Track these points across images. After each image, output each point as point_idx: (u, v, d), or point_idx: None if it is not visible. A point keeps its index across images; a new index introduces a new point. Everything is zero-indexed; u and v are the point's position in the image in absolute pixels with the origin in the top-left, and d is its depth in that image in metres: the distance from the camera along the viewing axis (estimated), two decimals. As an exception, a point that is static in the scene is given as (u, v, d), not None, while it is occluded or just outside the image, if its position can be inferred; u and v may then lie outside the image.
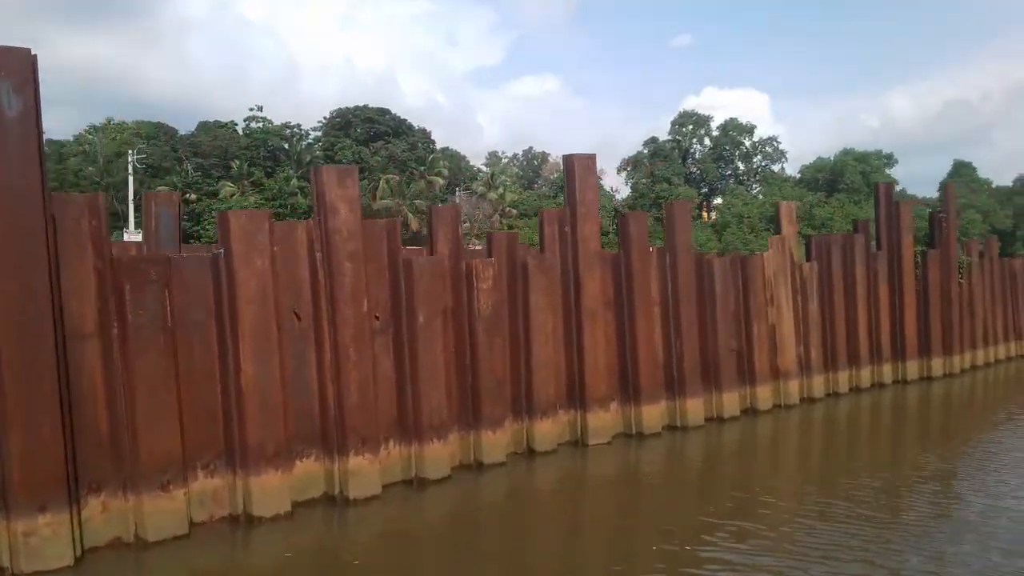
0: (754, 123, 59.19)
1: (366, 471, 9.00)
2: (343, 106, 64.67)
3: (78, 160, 55.14)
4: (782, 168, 58.44)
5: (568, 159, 12.18)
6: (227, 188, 50.75)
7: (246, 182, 52.69)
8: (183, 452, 7.99)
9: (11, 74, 6.88)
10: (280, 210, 44.52)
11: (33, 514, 6.84)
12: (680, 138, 58.78)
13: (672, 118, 59.79)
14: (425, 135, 67.49)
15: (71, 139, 59.89)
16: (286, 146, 61.97)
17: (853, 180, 44.72)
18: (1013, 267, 21.41)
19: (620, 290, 12.48)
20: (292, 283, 8.88)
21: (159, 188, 51.52)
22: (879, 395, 16.05)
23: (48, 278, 7.09)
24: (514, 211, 54.30)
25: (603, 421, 11.94)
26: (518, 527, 8.72)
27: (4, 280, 6.86)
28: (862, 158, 47.48)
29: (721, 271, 13.61)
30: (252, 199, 48.35)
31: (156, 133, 61.43)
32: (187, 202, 49.67)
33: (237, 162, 53.64)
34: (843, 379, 15.76)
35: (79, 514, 7.29)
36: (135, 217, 47.49)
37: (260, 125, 61.56)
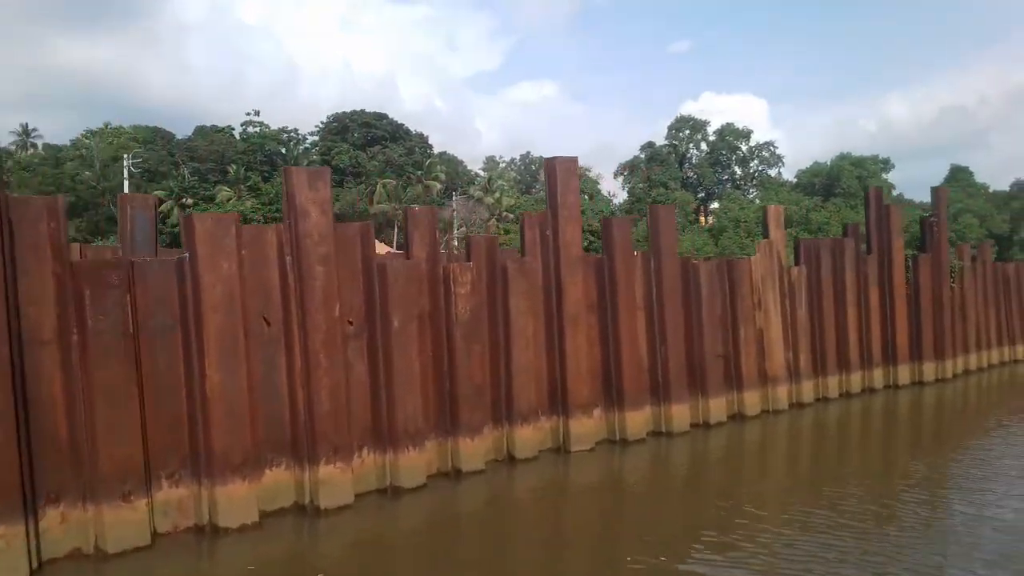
0: (751, 128, 59.19)
1: (338, 480, 8.80)
2: (341, 110, 64.71)
3: (75, 165, 55.09)
4: (779, 173, 58.36)
5: (550, 162, 12.01)
6: (224, 192, 50.65)
7: (243, 187, 52.59)
8: (146, 461, 7.80)
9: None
10: (277, 215, 44.42)
11: (-15, 525, 6.64)
12: (677, 143, 58.74)
13: (669, 123, 59.77)
14: (422, 140, 67.46)
15: (68, 144, 59.91)
16: (283, 151, 61.95)
17: (849, 185, 44.57)
18: (1006, 271, 21.23)
19: (603, 294, 12.30)
20: (261, 287, 8.70)
21: (155, 192, 51.48)
22: (870, 400, 15.84)
23: (4, 283, 6.91)
24: (511, 215, 54.17)
25: (586, 427, 11.74)
26: (495, 536, 8.52)
27: (-44, 285, 6.68)
28: (858, 163, 47.37)
29: (707, 275, 13.43)
30: (249, 203, 48.23)
31: (153, 138, 61.44)
32: (183, 207, 49.58)
33: (234, 167, 53.56)
34: (833, 384, 15.56)
35: (36, 525, 7.10)
36: (130, 222, 47.19)
37: (257, 130, 61.55)
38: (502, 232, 46.27)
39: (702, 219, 54.72)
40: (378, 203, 55.07)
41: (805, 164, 51.59)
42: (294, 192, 8.75)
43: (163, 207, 50.43)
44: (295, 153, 62.59)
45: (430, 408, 10.13)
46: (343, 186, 57.22)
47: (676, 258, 13.16)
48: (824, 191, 46.73)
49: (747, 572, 6.84)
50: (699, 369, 13.26)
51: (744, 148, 58.45)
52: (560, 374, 11.66)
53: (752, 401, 13.92)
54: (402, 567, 7.60)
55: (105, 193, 51.54)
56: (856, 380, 16.03)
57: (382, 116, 65.27)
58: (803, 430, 13.71)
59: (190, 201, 51.25)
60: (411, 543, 8.29)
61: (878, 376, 16.47)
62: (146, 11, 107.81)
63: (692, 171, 58.77)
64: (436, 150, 68.95)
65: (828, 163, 48.78)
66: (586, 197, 53.58)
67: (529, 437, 11.17)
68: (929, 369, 17.33)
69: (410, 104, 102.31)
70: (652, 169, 54.83)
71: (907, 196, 50.47)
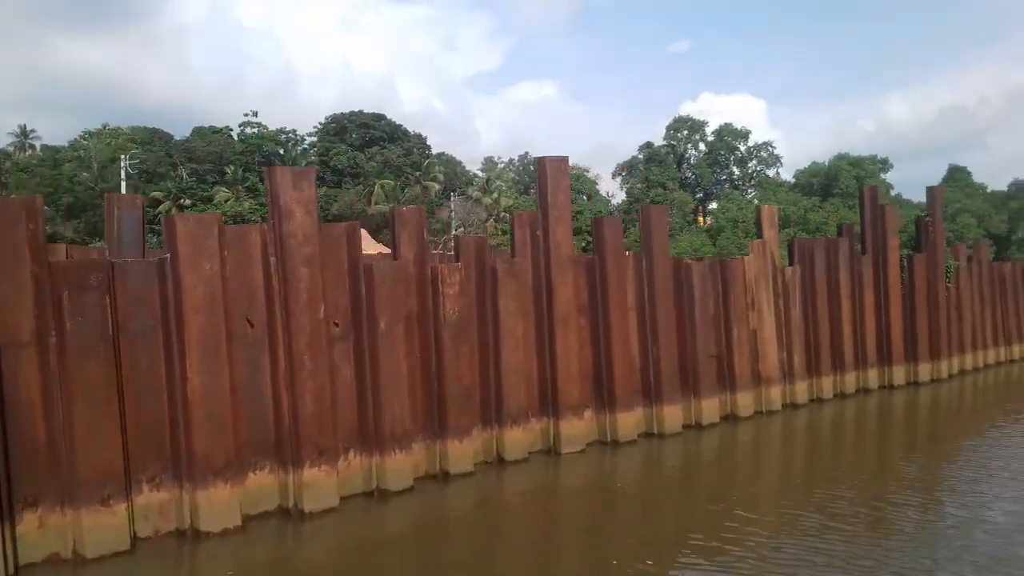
0: (749, 128, 59.10)
1: (322, 483, 8.70)
2: (340, 111, 64.65)
3: (73, 166, 55.01)
4: (777, 173, 58.26)
5: (540, 161, 11.92)
6: (222, 193, 50.60)
7: (240, 187, 52.53)
8: (126, 464, 7.71)
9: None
10: (274, 216, 44.13)
11: (-40, 530, 6.56)
12: (675, 143, 58.66)
13: (667, 123, 59.69)
14: (421, 140, 67.37)
15: (66, 145, 59.83)
16: (281, 151, 61.89)
17: (847, 185, 44.46)
18: (1003, 271, 21.13)
19: (595, 295, 12.21)
20: (245, 289, 8.61)
21: (153, 193, 51.47)
22: (864, 401, 15.75)
23: (-20, 284, 6.82)
24: (509, 216, 54.06)
25: (576, 429, 11.65)
26: (483, 539, 8.43)
27: (-69, 286, 6.59)
28: (856, 163, 47.25)
29: (700, 275, 13.34)
30: (246, 204, 48.17)
31: (151, 139, 61.35)
32: (181, 208, 49.53)
33: (232, 167, 53.51)
34: (827, 384, 15.47)
35: (13, 529, 7.01)
36: (126, 223, 47.18)
37: (255, 130, 61.51)
38: (500, 232, 46.15)
39: (700, 219, 54.62)
40: (376, 204, 54.97)
41: (804, 164, 51.52)
42: (278, 192, 8.66)
43: (161, 208, 50.37)
44: (293, 154, 62.53)
45: (418, 410, 10.03)
46: (341, 187, 57.16)
47: (668, 258, 13.07)
48: (822, 191, 46.62)
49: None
50: (691, 370, 13.16)
51: (742, 148, 58.37)
52: (550, 375, 11.56)
53: (745, 402, 13.83)
54: (388, 571, 7.51)
55: (103, 194, 51.45)
56: (851, 380, 15.93)
57: (380, 117, 65.20)
58: (796, 431, 13.62)
59: (188, 202, 51.19)
60: (397, 546, 8.19)
61: (873, 376, 16.37)
62: (145, 12, 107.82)
63: (690, 171, 58.70)
64: (435, 151, 68.91)
65: (826, 163, 48.66)
66: (584, 198, 53.53)
67: (519, 439, 11.07)
68: (924, 369, 17.23)
69: (409, 105, 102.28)
70: (650, 169, 54.71)
71: (906, 196, 50.40)
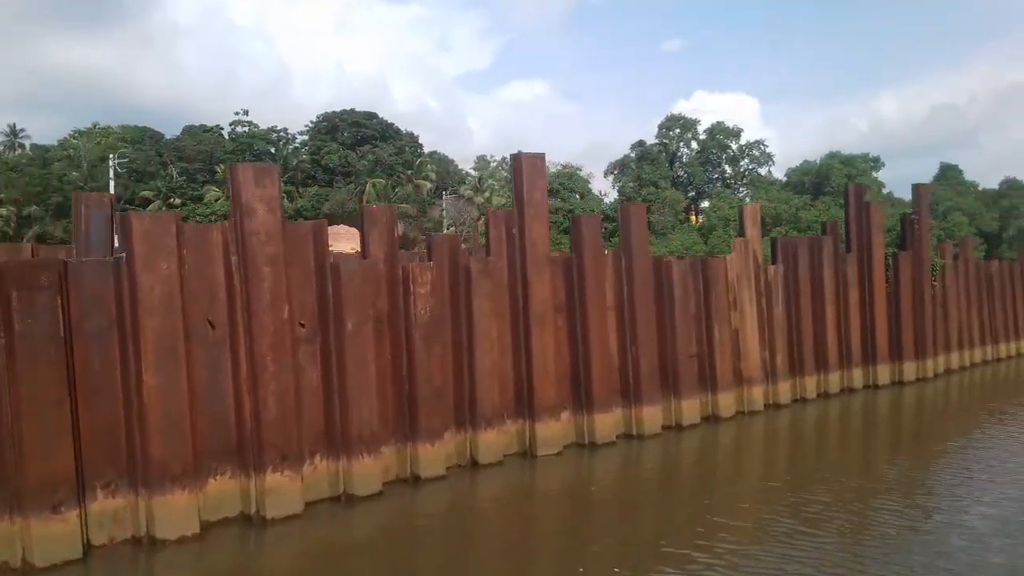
0: (741, 127, 58.86)
1: (286, 488, 8.49)
2: (331, 110, 64.31)
3: (62, 165, 54.58)
4: (769, 171, 58.10)
5: (516, 158, 11.71)
6: (212, 192, 50.23)
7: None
8: (79, 471, 7.47)
9: None
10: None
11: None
12: (667, 142, 58.43)
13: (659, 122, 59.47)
14: (413, 139, 67.03)
15: (56, 144, 59.40)
16: (272, 150, 61.54)
17: (839, 183, 44.27)
18: (989, 269, 21.00)
19: (572, 294, 12.01)
20: (205, 289, 8.38)
21: (143, 193, 51.12)
22: (848, 400, 15.59)
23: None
24: (499, 215, 53.74)
25: (553, 430, 11.45)
26: (454, 544, 8.24)
27: None
28: (848, 161, 47.13)
29: (680, 274, 13.15)
30: (236, 203, 47.73)
31: (141, 137, 60.92)
32: (171, 207, 49.19)
33: (222, 166, 53.13)
34: (811, 384, 15.30)
35: (-43, 539, 6.77)
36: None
37: (246, 129, 61.14)
38: (490, 231, 45.81)
39: (693, 218, 54.44)
40: (368, 203, 54.73)
41: (797, 163, 51.37)
42: (240, 189, 8.43)
43: (151, 207, 50.03)
44: (284, 152, 62.18)
45: (388, 412, 9.82)
46: (333, 186, 56.84)
47: (648, 256, 12.88)
48: (814, 189, 46.51)
49: (699, 585, 6.56)
50: (671, 370, 12.98)
51: (734, 147, 58.13)
52: (526, 376, 11.36)
53: (727, 402, 13.65)
54: (355, 576, 7.30)
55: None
56: (835, 380, 15.78)
57: (372, 115, 64.85)
58: (778, 432, 13.45)
59: (178, 201, 50.84)
60: (365, 552, 8.01)
61: (857, 376, 16.22)
62: (138, 12, 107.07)
63: (682, 170, 58.47)
64: (428, 149, 68.60)
65: (818, 162, 48.56)
66: (577, 196, 53.27)
67: (493, 441, 10.86)
68: (910, 368, 17.08)
69: (402, 104, 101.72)
70: (642, 168, 54.49)
71: (898, 195, 50.25)
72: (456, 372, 10.74)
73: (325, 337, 9.21)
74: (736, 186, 57.39)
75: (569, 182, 54.04)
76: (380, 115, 65.19)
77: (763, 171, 58.22)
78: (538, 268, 11.43)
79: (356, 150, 61.49)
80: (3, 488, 7.09)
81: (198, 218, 41.49)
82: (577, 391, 11.96)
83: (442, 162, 70.68)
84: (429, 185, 61.30)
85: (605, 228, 35.11)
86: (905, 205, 42.28)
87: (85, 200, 10.70)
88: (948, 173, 52.22)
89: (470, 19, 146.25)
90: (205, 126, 62.28)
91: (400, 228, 50.94)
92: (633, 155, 57.49)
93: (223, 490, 8.35)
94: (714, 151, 58.16)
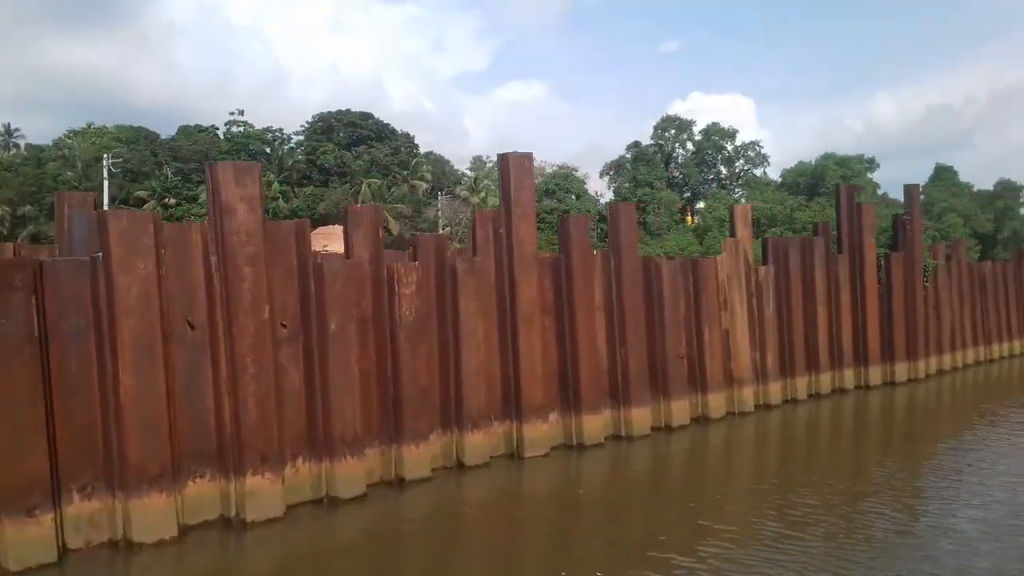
0: (736, 127, 58.86)
1: (266, 491, 8.37)
2: (327, 110, 64.16)
3: (57, 165, 54.41)
4: (764, 172, 58.07)
5: (503, 158, 11.61)
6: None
7: (224, 186, 51.90)
8: (54, 473, 7.36)
9: None
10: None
11: None
12: (663, 142, 58.36)
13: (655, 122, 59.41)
14: (408, 139, 66.93)
15: (51, 144, 59.17)
16: (268, 151, 61.38)
17: (834, 184, 44.23)
18: (982, 270, 20.96)
19: (560, 294, 11.92)
20: (185, 289, 8.27)
21: (138, 193, 50.93)
22: (839, 401, 15.52)
23: None
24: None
25: (540, 432, 11.35)
26: (439, 546, 8.14)
27: None
28: (843, 162, 47.11)
29: (670, 274, 13.07)
30: (230, 203, 47.54)
31: (136, 137, 60.72)
32: (165, 207, 49.04)
33: (214, 166, 52.92)
34: (802, 385, 15.23)
35: (-72, 542, 6.65)
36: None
37: (241, 129, 61.00)
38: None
39: (689, 218, 54.39)
40: (362, 203, 54.60)
41: (792, 164, 51.34)
42: (219, 188, 8.32)
43: (145, 207, 49.87)
44: (280, 153, 62.04)
45: (372, 414, 9.71)
46: (328, 186, 56.71)
47: (637, 256, 12.80)
48: (809, 190, 46.47)
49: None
50: (661, 371, 12.89)
51: (730, 148, 58.08)
52: (513, 377, 11.26)
53: (717, 403, 13.57)
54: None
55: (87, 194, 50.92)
56: (826, 381, 15.71)
57: (368, 116, 64.75)
58: (768, 433, 13.37)
59: (173, 201, 50.67)
60: (348, 555, 7.90)
61: (849, 377, 16.15)
62: (135, 11, 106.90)
63: (678, 171, 58.42)
64: (424, 150, 68.52)
65: (812, 163, 48.53)
66: (573, 197, 53.19)
67: (480, 443, 10.76)
68: (901, 369, 17.02)
69: (398, 104, 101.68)
70: (638, 169, 54.40)
71: (892, 196, 50.29)
72: (442, 373, 10.64)
73: (307, 338, 9.10)
74: (731, 187, 57.33)
75: (565, 183, 53.94)
76: (376, 115, 65.13)
77: (758, 172, 58.19)
78: (525, 268, 11.33)
79: (352, 150, 61.35)
80: (-25, 491, 6.97)
81: (193, 218, 41.34)
82: (565, 392, 11.87)
83: (438, 162, 70.55)
84: (425, 186, 61.19)
85: (602, 229, 35.05)
86: (900, 206, 42.22)
87: (68, 200, 10.60)
88: (943, 174, 52.25)
89: (465, 20, 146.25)
90: (200, 126, 62.15)
91: (396, 228, 50.88)
92: (629, 156, 57.40)
93: (202, 493, 8.24)
94: (709, 152, 58.10)
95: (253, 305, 8.43)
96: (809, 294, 15.46)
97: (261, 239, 8.54)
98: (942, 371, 18.74)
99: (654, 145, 58.00)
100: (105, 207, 49.60)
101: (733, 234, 14.48)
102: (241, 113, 61.28)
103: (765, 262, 15.09)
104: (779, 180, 51.57)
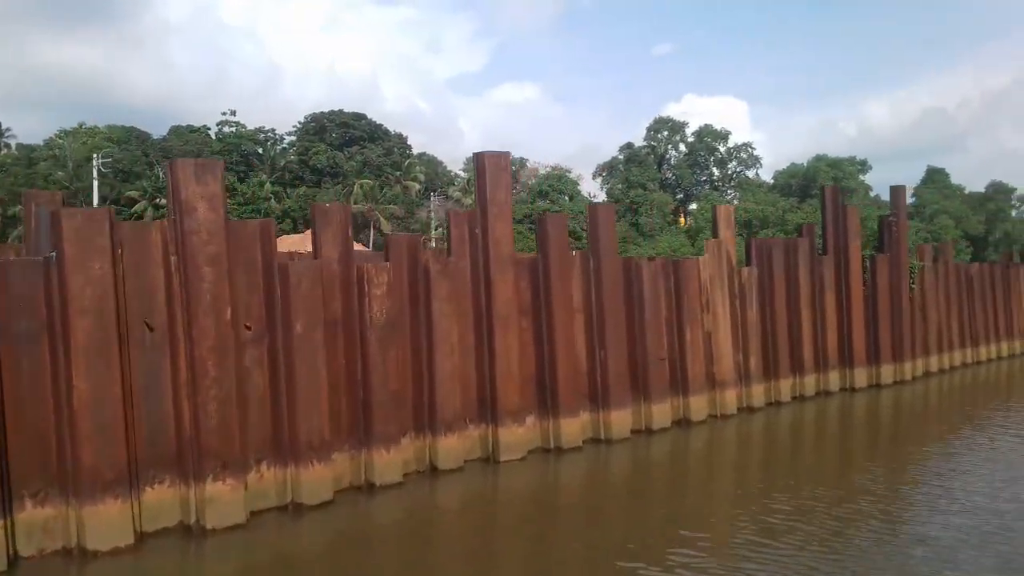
0: (729, 129, 58.83)
1: (227, 497, 8.15)
2: (320, 111, 63.91)
3: (48, 164, 54.06)
4: (757, 174, 58.07)
5: (479, 156, 11.42)
6: (196, 193, 49.66)
7: (216, 187, 51.60)
8: (5, 479, 7.12)
9: None
10: (253, 215, 43.52)
11: None
12: (655, 144, 58.32)
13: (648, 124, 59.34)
14: (401, 140, 66.69)
15: (42, 144, 58.80)
16: (260, 151, 61.10)
17: (826, 186, 44.33)
18: (969, 272, 20.83)
19: (538, 295, 11.73)
20: (143, 290, 8.05)
21: (129, 193, 50.60)
22: (824, 404, 15.36)
23: None
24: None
25: (517, 435, 11.15)
26: (406, 552, 7.91)
27: None
28: (835, 164, 47.13)
29: (651, 276, 12.89)
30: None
31: (128, 137, 60.38)
32: (157, 207, 48.72)
33: (205, 167, 52.63)
34: (785, 387, 15.06)
35: None
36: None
37: (233, 129, 60.70)
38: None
39: (681, 220, 54.32)
40: (355, 203, 54.34)
41: (785, 166, 51.34)
42: (179, 186, 8.11)
43: (136, 207, 49.56)
44: (272, 153, 61.75)
45: (341, 418, 9.50)
46: (320, 187, 56.46)
47: (616, 257, 12.62)
48: (800, 192, 46.45)
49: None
50: (641, 373, 12.70)
51: (722, 149, 58.11)
52: (489, 379, 11.06)
53: (699, 406, 13.39)
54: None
55: (78, 193, 50.61)
56: (810, 383, 15.54)
57: (360, 116, 64.51)
58: (751, 436, 13.19)
59: (164, 201, 50.39)
60: (312, 562, 7.68)
61: (833, 379, 15.99)
62: (129, 10, 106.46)
63: (671, 172, 58.41)
64: (418, 150, 68.32)
65: (804, 164, 48.52)
66: (567, 198, 53.05)
67: (453, 447, 10.56)
68: (887, 371, 16.87)
69: (392, 104, 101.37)
70: (630, 170, 54.32)
71: (885, 198, 50.32)
72: (415, 376, 10.43)
73: (273, 340, 8.89)
74: (724, 188, 57.30)
75: (559, 184, 53.82)
76: (369, 116, 64.91)
77: (751, 174, 58.19)
78: (501, 268, 11.14)
79: (344, 151, 61.12)
80: (-81, 498, 6.75)
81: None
82: (543, 394, 11.67)
83: (431, 163, 70.35)
84: (418, 186, 61.00)
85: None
86: (885, 206, 42.25)
87: (35, 198, 10.40)
88: (934, 176, 52.30)
89: (460, 21, 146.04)
90: (192, 126, 61.85)
91: (388, 229, 50.65)
92: (621, 157, 57.33)
93: (161, 499, 8.01)
94: (702, 154, 58.10)
95: (214, 306, 8.22)
96: (793, 295, 15.30)
97: (223, 238, 8.33)
98: (928, 373, 18.60)
99: (647, 147, 57.97)
100: (95, 207, 49.29)
101: (716, 235, 14.30)
102: (233, 113, 61.02)
103: (749, 263, 14.92)
104: (771, 182, 51.56)
